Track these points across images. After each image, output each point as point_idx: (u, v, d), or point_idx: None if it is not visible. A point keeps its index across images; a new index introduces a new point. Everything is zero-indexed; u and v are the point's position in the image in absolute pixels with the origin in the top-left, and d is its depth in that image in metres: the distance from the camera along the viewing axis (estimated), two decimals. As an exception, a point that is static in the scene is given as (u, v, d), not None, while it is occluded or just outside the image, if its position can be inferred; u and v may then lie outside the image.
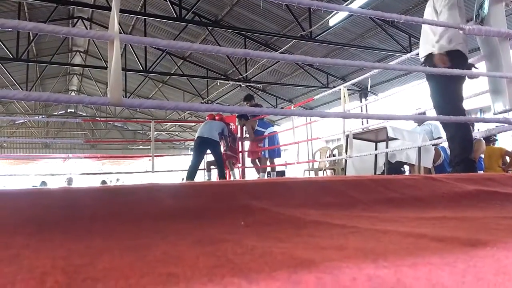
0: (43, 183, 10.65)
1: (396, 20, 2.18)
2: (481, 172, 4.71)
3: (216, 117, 6.79)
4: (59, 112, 21.27)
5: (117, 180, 14.40)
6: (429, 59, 3.02)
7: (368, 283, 0.49)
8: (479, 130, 4.70)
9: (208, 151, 6.50)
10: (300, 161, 6.29)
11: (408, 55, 4.42)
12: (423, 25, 3.16)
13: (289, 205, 1.25)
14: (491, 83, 2.95)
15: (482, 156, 5.14)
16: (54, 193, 1.28)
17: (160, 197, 1.30)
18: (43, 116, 19.26)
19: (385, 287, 0.48)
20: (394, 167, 4.57)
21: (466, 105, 3.05)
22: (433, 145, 4.42)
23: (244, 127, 7.05)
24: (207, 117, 7.02)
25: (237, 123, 7.18)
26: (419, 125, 5.46)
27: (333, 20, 8.58)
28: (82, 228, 0.94)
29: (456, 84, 2.92)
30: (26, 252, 0.73)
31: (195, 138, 6.45)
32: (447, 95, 2.97)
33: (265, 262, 0.61)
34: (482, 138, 4.86)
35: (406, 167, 4.96)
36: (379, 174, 4.43)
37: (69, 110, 21.96)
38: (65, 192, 1.29)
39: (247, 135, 6.96)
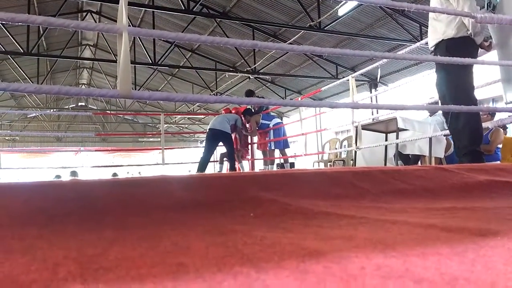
0: (58, 176, 10.78)
1: (406, 9, 2.15)
2: (498, 162, 4.60)
3: (233, 111, 6.80)
4: (70, 106, 21.45)
5: (127, 173, 14.51)
6: (439, 48, 2.99)
7: (376, 272, 0.49)
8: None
9: (220, 143, 6.52)
10: (308, 153, 6.27)
11: (418, 43, 4.35)
12: (429, 16, 3.13)
13: (298, 196, 1.26)
14: (503, 72, 2.90)
15: (500, 146, 4.97)
16: (65, 185, 1.30)
17: (170, 189, 1.31)
18: (55, 109, 19.46)
19: (394, 276, 0.48)
20: (411, 163, 4.54)
21: (479, 94, 3.01)
22: (444, 135, 4.36)
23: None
24: (223, 111, 7.02)
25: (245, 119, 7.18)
26: (430, 116, 5.41)
27: (342, 10, 8.48)
28: (94, 220, 0.96)
29: (466, 72, 2.87)
30: (39, 243, 0.74)
31: (207, 130, 6.46)
32: (460, 85, 2.91)
33: (274, 252, 0.61)
34: (499, 128, 4.72)
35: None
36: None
37: (80, 104, 22.14)
38: (76, 184, 1.31)
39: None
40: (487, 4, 2.90)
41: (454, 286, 0.44)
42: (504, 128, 5.35)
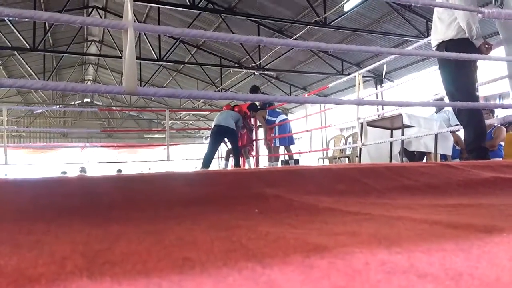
0: (64, 172, 10.85)
1: (413, 4, 2.14)
2: (500, 159, 4.60)
3: (235, 109, 6.78)
4: (76, 102, 21.56)
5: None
6: (439, 49, 3.00)
7: (381, 268, 0.49)
8: (497, 116, 4.60)
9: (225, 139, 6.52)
10: (313, 150, 6.26)
11: (425, 40, 4.32)
12: (433, 15, 3.12)
13: (302, 193, 1.26)
14: (510, 68, 2.88)
15: (502, 143, 5.01)
16: (72, 181, 1.31)
17: (176, 185, 1.31)
18: (61, 106, 19.55)
19: (398, 272, 0.48)
20: (416, 160, 4.53)
21: (485, 91, 3.00)
22: (454, 131, 4.35)
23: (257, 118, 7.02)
24: (224, 108, 6.99)
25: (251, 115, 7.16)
26: (436, 112, 5.38)
27: (348, 5, 8.43)
28: (100, 215, 0.96)
29: (466, 71, 2.88)
30: (46, 237, 0.75)
31: (212, 126, 6.45)
32: (461, 83, 2.93)
33: (278, 247, 0.62)
34: (501, 125, 4.75)
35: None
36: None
37: (85, 100, 22.23)
38: (83, 180, 1.32)
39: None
40: (494, -1, 2.88)
41: (458, 282, 0.44)
42: (510, 124, 5.32)
